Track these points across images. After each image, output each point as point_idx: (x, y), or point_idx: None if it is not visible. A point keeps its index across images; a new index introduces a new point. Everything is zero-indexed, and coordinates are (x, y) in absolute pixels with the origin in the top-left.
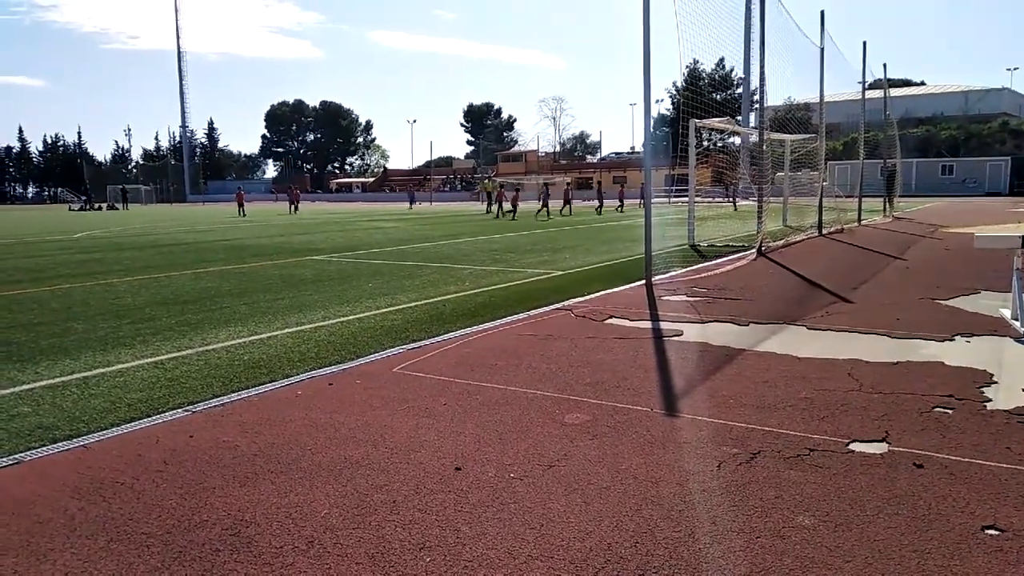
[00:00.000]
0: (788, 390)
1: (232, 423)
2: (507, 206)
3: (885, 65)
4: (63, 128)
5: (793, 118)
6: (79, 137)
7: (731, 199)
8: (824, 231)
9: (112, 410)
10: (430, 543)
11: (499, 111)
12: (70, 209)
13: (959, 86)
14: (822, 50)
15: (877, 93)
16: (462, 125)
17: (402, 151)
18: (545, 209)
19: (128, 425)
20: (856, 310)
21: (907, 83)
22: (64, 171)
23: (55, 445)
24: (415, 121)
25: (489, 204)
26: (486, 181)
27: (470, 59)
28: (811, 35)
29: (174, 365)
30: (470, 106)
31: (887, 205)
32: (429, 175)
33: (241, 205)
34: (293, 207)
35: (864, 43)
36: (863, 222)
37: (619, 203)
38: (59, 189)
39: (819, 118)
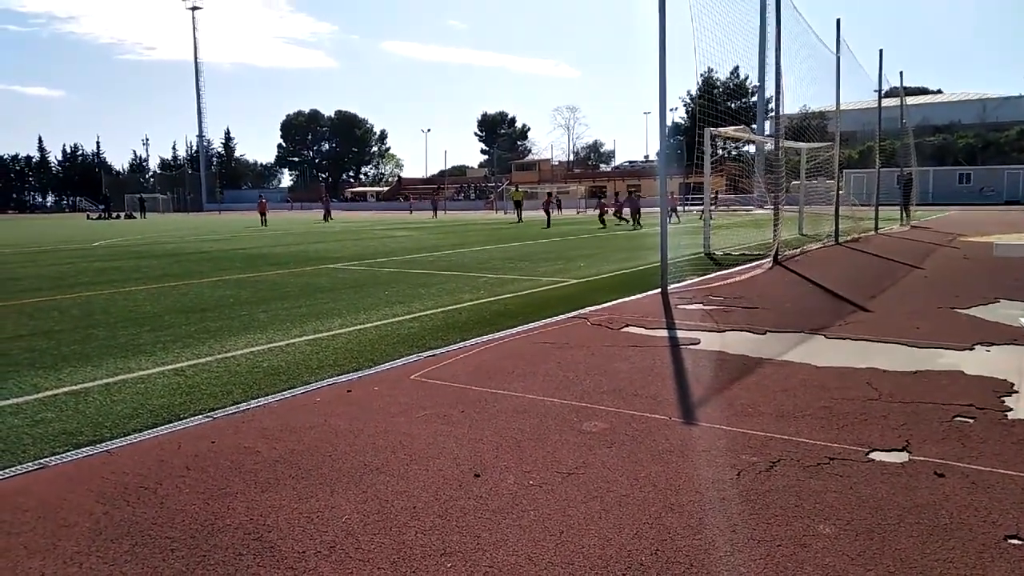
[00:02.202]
0: (807, 399)
1: (253, 429)
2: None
3: (901, 73)
4: (82, 138)
5: (808, 126)
6: (97, 147)
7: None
8: (841, 240)
9: (134, 416)
10: (451, 549)
11: (513, 120)
12: (88, 218)
13: (976, 94)
14: (838, 58)
15: (893, 101)
16: (476, 134)
17: (416, 160)
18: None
19: (150, 431)
20: (874, 319)
21: (923, 91)
22: (83, 180)
23: (79, 450)
24: (429, 130)
25: (519, 214)
26: (514, 190)
27: (483, 68)
28: (827, 42)
29: (194, 372)
30: (484, 115)
31: (904, 214)
32: (443, 184)
33: (263, 214)
34: (327, 216)
35: (880, 51)
36: (880, 231)
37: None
38: (78, 198)
39: (835, 126)
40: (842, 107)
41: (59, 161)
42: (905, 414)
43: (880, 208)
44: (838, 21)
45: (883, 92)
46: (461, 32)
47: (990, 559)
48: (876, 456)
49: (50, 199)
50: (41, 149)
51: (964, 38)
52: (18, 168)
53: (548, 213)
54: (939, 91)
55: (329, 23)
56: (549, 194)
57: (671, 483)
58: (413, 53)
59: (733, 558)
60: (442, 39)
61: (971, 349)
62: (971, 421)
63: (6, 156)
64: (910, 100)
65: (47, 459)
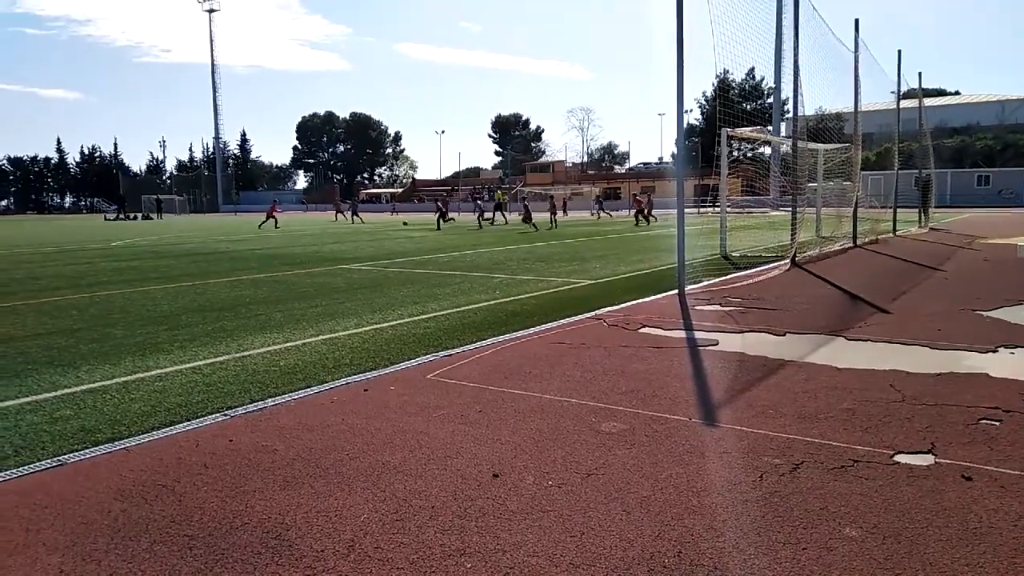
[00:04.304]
0: (829, 401)
1: (270, 427)
2: (493, 216)
3: (920, 74)
4: (99, 139)
5: (825, 128)
6: (115, 148)
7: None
8: (859, 242)
9: (152, 414)
10: (470, 549)
11: (527, 122)
12: (106, 219)
13: (995, 95)
14: (856, 58)
15: (911, 103)
16: (490, 136)
17: (431, 161)
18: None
19: (168, 429)
20: (895, 321)
21: (941, 92)
22: (100, 181)
23: (97, 448)
24: (443, 132)
25: (494, 214)
26: (498, 192)
27: (497, 71)
28: (845, 43)
29: (212, 370)
30: (498, 117)
31: (922, 216)
32: (457, 186)
33: (272, 217)
34: (356, 217)
35: (899, 52)
36: (898, 233)
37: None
38: (95, 199)
39: (854, 127)
40: (860, 108)
41: (77, 162)
42: (930, 416)
43: (898, 210)
44: (856, 21)
45: (901, 93)
46: (475, 34)
47: (1022, 565)
48: (901, 459)
49: (68, 200)
50: (59, 151)
51: (983, 39)
52: (37, 169)
53: (495, 213)
54: (957, 92)
55: (343, 25)
56: (517, 197)
57: (692, 485)
58: (427, 55)
59: (758, 561)
60: (456, 41)
61: (995, 351)
62: (998, 424)
63: (25, 158)
64: (928, 102)
65: (66, 456)
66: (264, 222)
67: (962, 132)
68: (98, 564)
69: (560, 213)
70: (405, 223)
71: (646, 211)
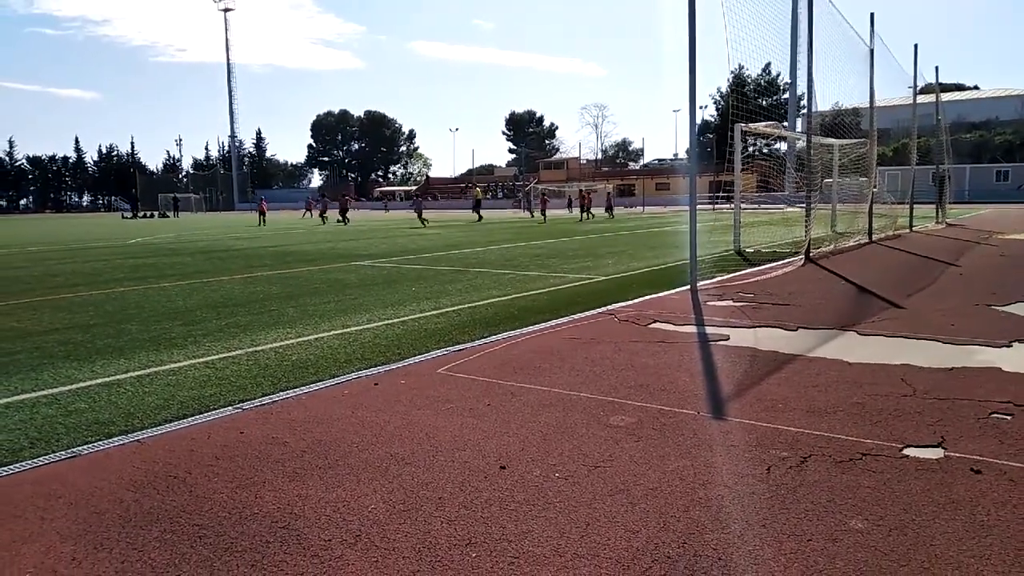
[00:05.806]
0: (839, 395)
1: (281, 420)
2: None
3: (937, 68)
4: (116, 138)
5: (841, 123)
6: (132, 147)
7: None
8: (874, 237)
9: (165, 407)
10: (476, 539)
11: (541, 119)
12: (123, 217)
13: (1014, 90)
14: (872, 53)
15: (928, 97)
16: (504, 133)
17: (444, 159)
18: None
19: (181, 421)
20: (908, 316)
21: (959, 87)
22: (118, 180)
23: (111, 440)
24: (457, 129)
25: (476, 211)
26: (477, 190)
27: (510, 68)
28: (861, 37)
29: (224, 365)
30: (512, 114)
31: (939, 211)
32: (471, 183)
33: (262, 214)
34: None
35: (915, 46)
36: (914, 229)
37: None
38: (113, 198)
39: (870, 123)
40: (876, 103)
41: (95, 161)
42: (940, 410)
43: (915, 206)
44: (872, 15)
45: (918, 88)
46: (487, 32)
47: None
48: (910, 452)
49: (86, 199)
50: (77, 150)
51: (1002, 33)
52: (55, 168)
53: (543, 210)
54: (975, 87)
55: (356, 24)
56: (544, 193)
57: (699, 477)
58: (440, 53)
59: (762, 552)
60: (469, 39)
61: (1009, 346)
62: (1009, 418)
63: (43, 157)
64: (945, 96)
65: (80, 448)
66: (262, 221)
67: (981, 127)
68: (109, 552)
69: (565, 210)
70: (338, 221)
71: (591, 206)
